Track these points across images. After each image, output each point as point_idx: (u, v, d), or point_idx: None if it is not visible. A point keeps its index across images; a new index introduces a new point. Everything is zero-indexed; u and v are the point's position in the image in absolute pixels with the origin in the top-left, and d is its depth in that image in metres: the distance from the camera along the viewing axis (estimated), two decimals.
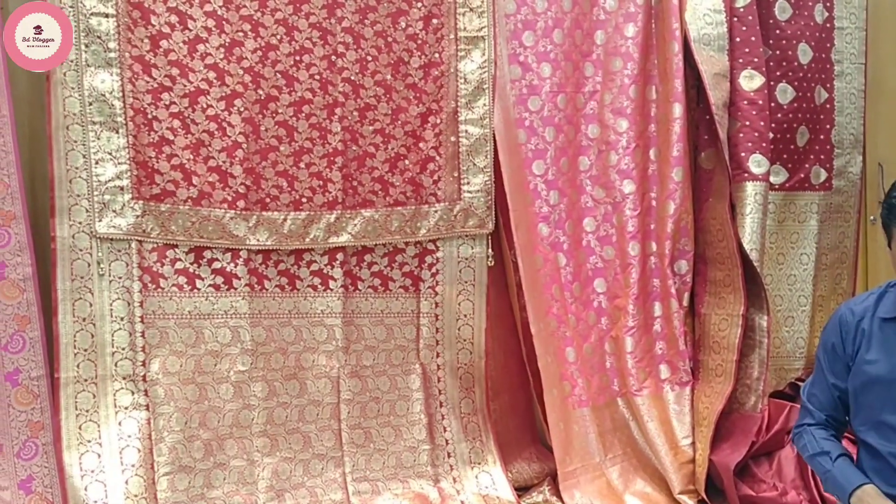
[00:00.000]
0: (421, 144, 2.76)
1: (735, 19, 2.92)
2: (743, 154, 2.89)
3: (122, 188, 2.40)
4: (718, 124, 2.83)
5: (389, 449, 2.71)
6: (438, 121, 2.77)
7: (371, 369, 2.74)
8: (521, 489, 2.80)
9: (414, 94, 2.74)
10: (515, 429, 2.97)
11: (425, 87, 2.74)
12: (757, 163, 2.88)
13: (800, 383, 3.09)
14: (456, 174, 2.78)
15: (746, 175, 2.89)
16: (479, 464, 2.79)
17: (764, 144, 2.90)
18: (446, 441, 2.80)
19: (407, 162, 2.76)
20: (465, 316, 2.84)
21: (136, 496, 2.32)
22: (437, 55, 2.75)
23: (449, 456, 2.79)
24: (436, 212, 2.79)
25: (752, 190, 2.88)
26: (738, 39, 2.92)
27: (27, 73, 2.41)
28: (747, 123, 2.89)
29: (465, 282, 2.83)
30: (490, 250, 2.79)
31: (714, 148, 2.94)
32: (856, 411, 1.88)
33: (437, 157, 2.78)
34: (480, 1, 2.73)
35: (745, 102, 2.90)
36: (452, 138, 2.77)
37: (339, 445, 2.65)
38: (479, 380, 2.84)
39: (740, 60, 2.92)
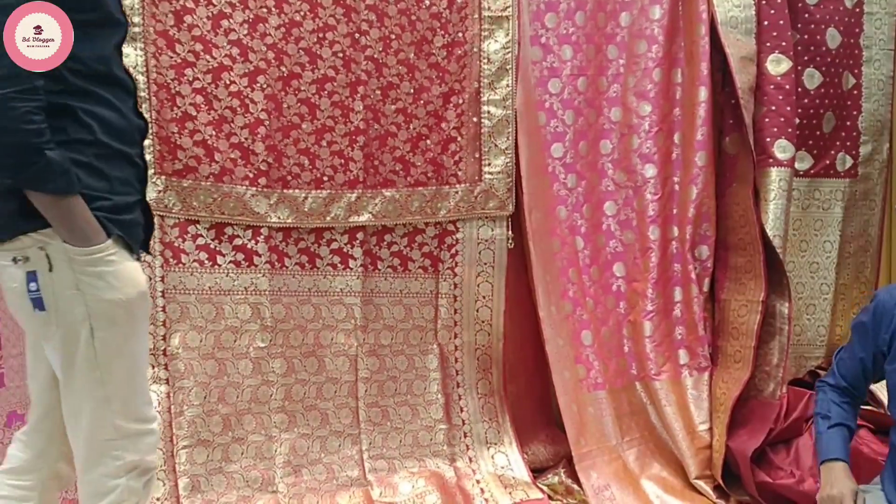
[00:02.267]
0: (443, 125, 2.75)
1: (764, 2, 2.88)
2: (768, 139, 2.86)
3: None
4: (744, 108, 2.80)
5: (406, 427, 2.72)
6: (461, 101, 2.75)
7: (389, 348, 2.74)
8: (537, 471, 2.81)
9: (437, 73, 2.72)
10: (532, 411, 2.97)
11: (448, 66, 2.73)
12: (782, 148, 2.85)
13: (820, 371, 3.07)
14: (477, 155, 2.77)
15: (771, 161, 2.86)
16: (496, 444, 2.80)
17: (790, 130, 2.86)
18: (463, 421, 2.81)
19: (428, 142, 2.75)
20: (484, 298, 2.84)
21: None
22: (460, 34, 2.73)
23: (465, 436, 2.80)
24: (456, 193, 2.78)
25: (776, 176, 2.85)
26: (766, 23, 2.88)
27: None
28: (773, 108, 2.86)
29: (485, 263, 2.82)
30: (510, 232, 2.79)
31: (739, 132, 2.91)
32: (892, 397, 1.87)
33: (459, 138, 2.76)
34: None
35: (772, 87, 2.87)
36: (474, 119, 2.76)
37: (356, 423, 2.66)
38: (496, 361, 2.84)
39: (768, 44, 2.88)
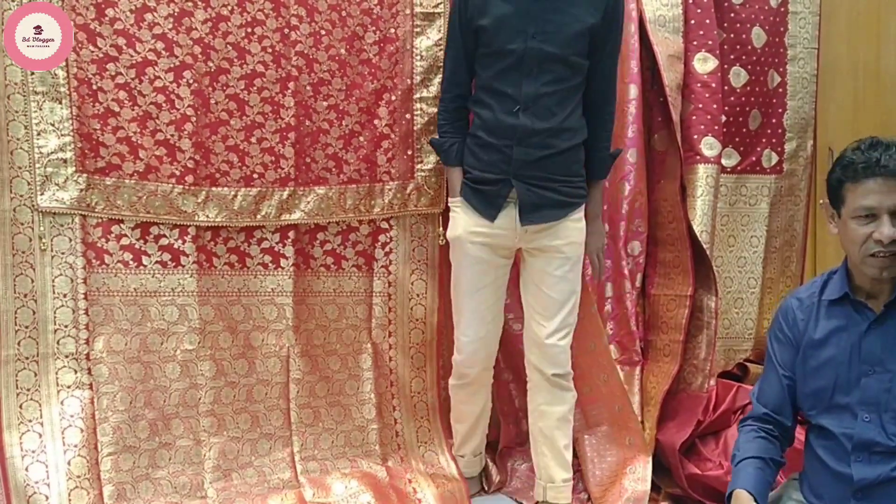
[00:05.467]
0: (375, 121, 2.72)
1: (690, 1, 2.94)
2: (696, 136, 2.92)
3: (65, 161, 2.33)
4: (672, 106, 2.85)
5: (338, 428, 2.69)
6: (393, 98, 2.73)
7: (322, 348, 2.71)
8: None
9: (369, 69, 2.69)
10: None
11: (380, 63, 2.70)
12: (709, 145, 2.91)
13: (748, 364, 3.15)
14: (410, 152, 2.75)
15: (698, 157, 2.92)
16: (426, 443, 2.80)
17: (716, 127, 2.92)
18: (395, 420, 2.79)
19: (361, 139, 2.72)
20: (418, 296, 2.83)
21: (78, 477, 2.26)
22: (392, 30, 2.70)
23: (397, 435, 2.78)
24: (389, 190, 2.76)
25: (703, 172, 2.91)
26: (692, 21, 2.93)
27: None
28: (700, 106, 2.92)
29: (419, 261, 2.81)
30: (441, 229, 2.77)
31: (667, 130, 2.96)
32: (806, 397, 1.91)
33: (392, 135, 2.74)
34: None
35: (699, 85, 2.93)
36: (407, 116, 2.73)
37: (287, 425, 2.62)
38: (430, 359, 2.83)
39: (694, 43, 2.94)
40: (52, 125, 2.31)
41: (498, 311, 2.59)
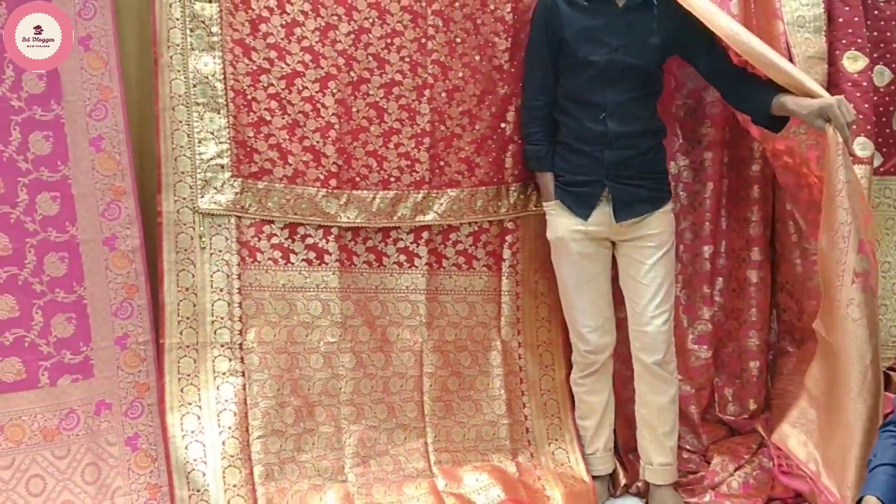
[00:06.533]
0: (503, 125, 2.81)
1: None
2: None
3: (222, 166, 2.54)
4: None
5: (470, 422, 2.80)
6: (520, 103, 2.80)
7: (453, 344, 2.82)
8: None
9: (500, 76, 2.78)
10: None
11: (511, 69, 2.78)
12: (861, 145, 2.81)
13: (892, 373, 3.03)
14: None
15: (851, 158, 2.82)
16: (557, 440, 2.85)
17: (868, 127, 2.82)
18: (525, 417, 2.86)
19: (491, 143, 2.81)
20: (542, 294, 2.90)
21: (231, 456, 2.46)
22: (522, 37, 2.78)
23: (527, 431, 2.85)
24: (513, 191, 2.84)
25: (857, 173, 2.82)
26: (840, 20, 2.83)
27: (137, 57, 2.55)
28: (851, 106, 2.82)
29: (541, 260, 2.88)
30: None
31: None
32: None
33: (517, 138, 2.82)
34: None
35: (849, 84, 2.82)
36: None
37: (421, 417, 2.75)
38: (557, 358, 2.90)
39: (843, 41, 2.83)
40: (212, 133, 2.52)
41: (610, 299, 2.71)
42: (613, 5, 2.55)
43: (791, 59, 2.79)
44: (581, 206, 2.61)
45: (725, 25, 2.43)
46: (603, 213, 2.60)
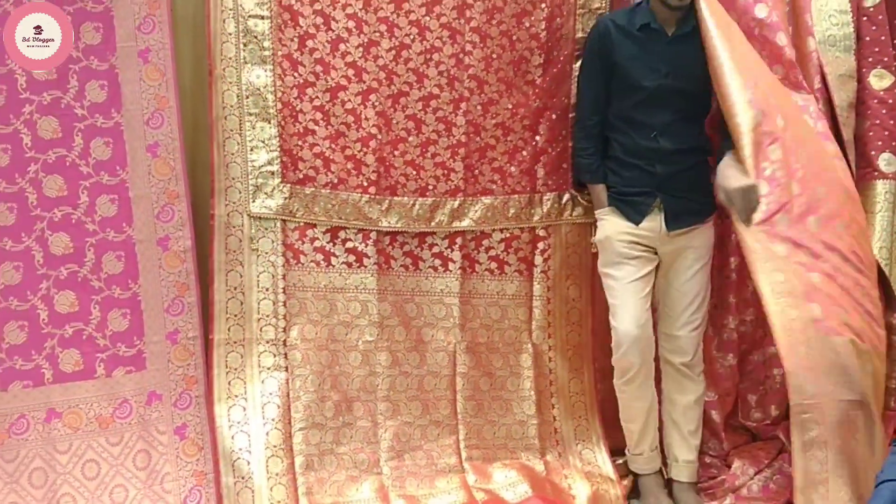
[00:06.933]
0: (536, 137, 2.94)
1: (865, 18, 2.93)
2: (873, 152, 2.90)
3: (272, 173, 2.68)
4: (843, 125, 2.86)
5: (500, 421, 2.91)
6: (553, 116, 2.94)
7: (485, 346, 2.94)
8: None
9: (532, 90, 2.91)
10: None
11: (543, 84, 2.91)
12: (886, 161, 2.89)
13: None
14: (565, 166, 2.96)
15: (876, 173, 2.90)
16: (584, 440, 2.96)
17: (894, 143, 2.90)
18: (554, 417, 2.97)
19: (524, 154, 2.93)
20: (573, 300, 3.02)
21: (275, 447, 2.59)
22: (555, 54, 2.91)
23: (555, 431, 2.96)
24: (547, 200, 2.96)
25: (882, 188, 2.89)
26: (867, 38, 2.92)
27: (191, 68, 2.71)
28: (877, 122, 2.91)
29: (573, 267, 3.00)
30: (594, 238, 2.94)
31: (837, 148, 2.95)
32: None
33: (549, 150, 2.95)
34: (601, 3, 2.89)
35: (875, 101, 2.90)
36: (563, 132, 2.94)
37: (453, 414, 2.86)
38: (586, 361, 3.01)
39: (870, 59, 2.92)
40: (263, 142, 2.67)
41: (649, 304, 2.77)
42: (663, 34, 2.69)
43: (823, 77, 2.89)
44: (634, 213, 2.73)
45: (722, 74, 2.52)
46: (654, 221, 2.71)
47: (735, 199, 2.39)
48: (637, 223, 2.72)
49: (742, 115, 2.51)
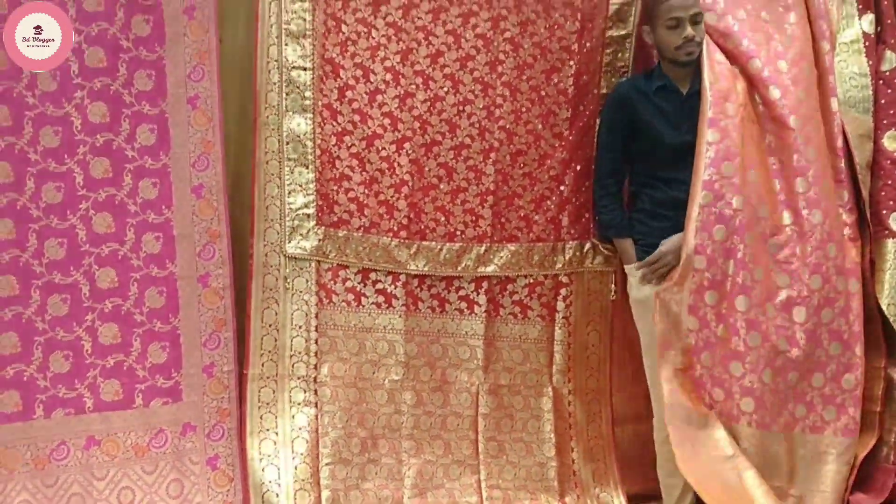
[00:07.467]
0: (562, 187, 3.04)
1: (881, 82, 3.04)
2: (884, 212, 2.99)
3: (308, 215, 2.81)
4: (862, 184, 2.96)
5: (521, 462, 2.98)
6: (578, 167, 3.05)
7: (507, 388, 3.02)
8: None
9: (559, 142, 3.02)
10: (638, 456, 3.15)
11: (570, 136, 3.03)
12: None
13: None
14: (587, 216, 3.06)
15: (887, 232, 2.98)
16: (602, 484, 3.02)
17: None
18: (573, 460, 3.04)
19: (550, 203, 3.04)
20: (593, 346, 3.10)
21: (303, 480, 2.68)
22: (581, 107, 3.03)
23: (574, 474, 3.03)
24: (570, 248, 3.06)
25: (892, 247, 2.97)
26: (882, 101, 3.03)
27: (235, 115, 2.85)
28: (889, 182, 3.00)
29: (593, 314, 3.09)
30: (614, 286, 3.04)
31: (854, 205, 3.04)
32: None
33: (574, 200, 3.05)
34: (624, 62, 3.02)
35: (889, 162, 3.00)
36: (587, 183, 3.05)
37: (475, 454, 2.94)
38: (604, 405, 3.08)
39: (884, 121, 3.02)
40: (300, 186, 2.80)
41: None
42: (679, 94, 2.81)
43: (844, 136, 2.99)
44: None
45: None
46: None
47: (670, 257, 2.72)
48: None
49: (696, 192, 2.72)
